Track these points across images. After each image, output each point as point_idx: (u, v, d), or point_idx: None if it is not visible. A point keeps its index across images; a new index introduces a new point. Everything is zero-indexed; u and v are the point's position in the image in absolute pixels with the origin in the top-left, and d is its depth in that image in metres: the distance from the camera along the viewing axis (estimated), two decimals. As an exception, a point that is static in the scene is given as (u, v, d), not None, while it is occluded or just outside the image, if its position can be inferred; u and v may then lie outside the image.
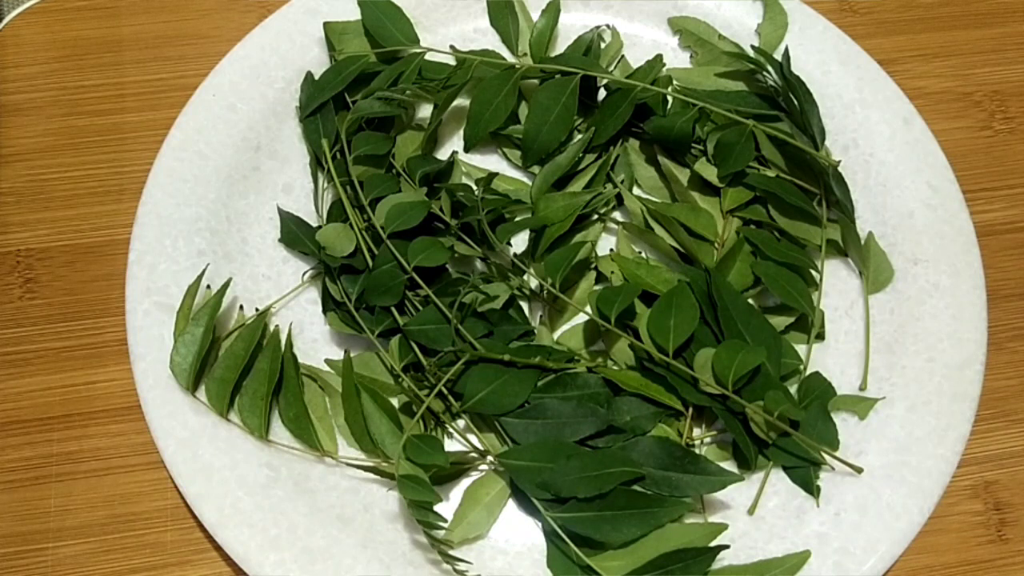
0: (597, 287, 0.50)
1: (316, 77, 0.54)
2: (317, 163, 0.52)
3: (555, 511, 0.43)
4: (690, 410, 0.46)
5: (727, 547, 0.42)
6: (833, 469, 0.46)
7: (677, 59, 0.58)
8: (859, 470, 0.45)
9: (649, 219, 0.51)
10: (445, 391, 0.45)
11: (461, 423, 0.47)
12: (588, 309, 0.48)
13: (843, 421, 0.47)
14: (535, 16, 0.57)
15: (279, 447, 0.46)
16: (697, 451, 0.45)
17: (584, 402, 0.44)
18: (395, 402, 0.47)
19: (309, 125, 0.53)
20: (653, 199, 0.53)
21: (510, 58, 0.57)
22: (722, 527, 0.43)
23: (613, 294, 0.46)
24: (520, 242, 0.52)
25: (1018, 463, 0.49)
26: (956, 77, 0.60)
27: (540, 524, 0.45)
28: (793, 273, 0.49)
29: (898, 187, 0.52)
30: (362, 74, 0.53)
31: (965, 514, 0.48)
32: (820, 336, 0.50)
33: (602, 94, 0.54)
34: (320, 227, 0.49)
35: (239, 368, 0.46)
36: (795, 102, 0.52)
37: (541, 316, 0.49)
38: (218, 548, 0.45)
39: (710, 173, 0.51)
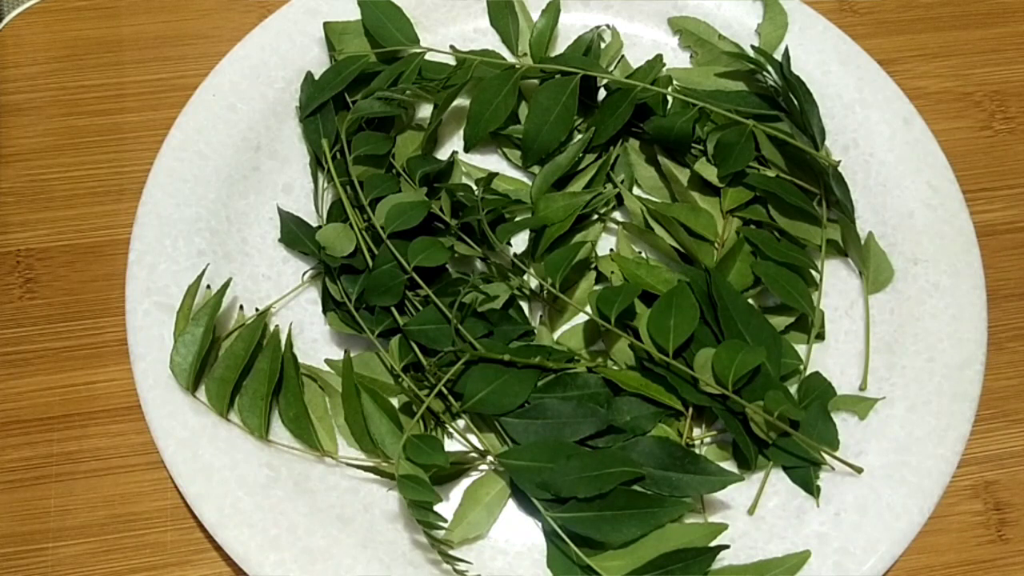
0: (597, 287, 0.50)
1: (316, 77, 0.54)
2: (317, 163, 0.52)
3: (555, 511, 0.43)
4: (690, 410, 0.46)
5: (727, 547, 0.42)
6: (833, 469, 0.46)
7: (677, 59, 0.58)
8: (859, 470, 0.45)
9: (649, 219, 0.51)
10: (445, 391, 0.45)
11: (461, 423, 0.47)
12: (588, 309, 0.48)
13: (843, 421, 0.47)
14: (535, 16, 0.57)
15: (279, 447, 0.46)
16: (697, 451, 0.45)
17: (584, 402, 0.44)
18: (395, 402, 0.47)
19: (309, 125, 0.53)
20: (653, 199, 0.53)
21: (510, 58, 0.57)
22: (722, 527, 0.43)
23: (613, 294, 0.46)
24: (520, 242, 0.52)
25: (1018, 463, 0.49)
26: (956, 77, 0.60)
27: (540, 524, 0.45)
28: (793, 273, 0.49)
29: (898, 187, 0.52)
30: (362, 74, 0.53)
31: (965, 514, 0.48)
32: (820, 336, 0.50)
33: (602, 94, 0.54)
34: (320, 227, 0.49)
35: (239, 368, 0.46)
36: (795, 102, 0.52)
37: (541, 316, 0.49)
38: (218, 548, 0.45)
39: (710, 173, 0.51)
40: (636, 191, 0.53)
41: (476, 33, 0.58)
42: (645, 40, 0.58)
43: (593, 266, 0.50)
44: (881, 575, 0.43)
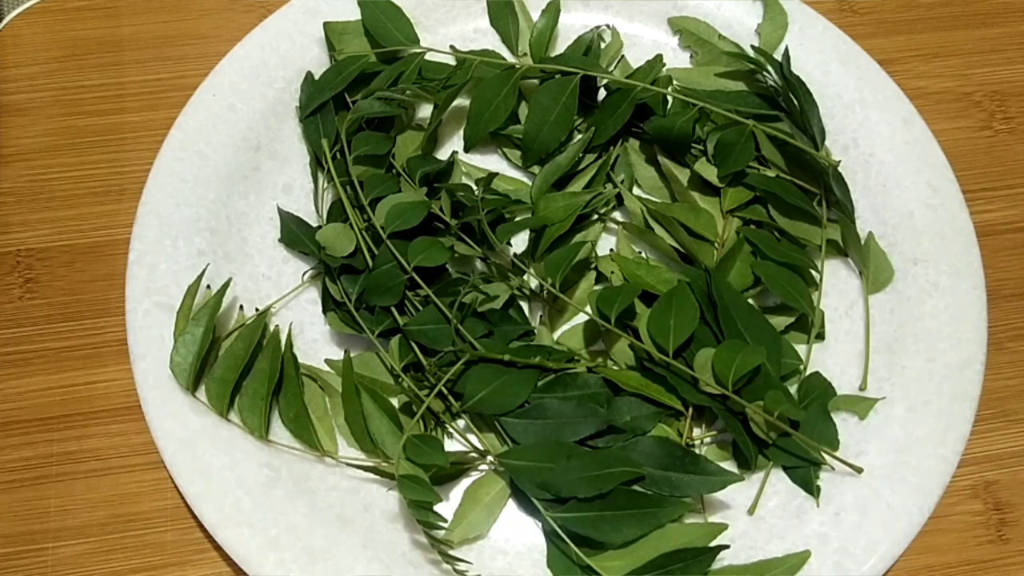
0: (597, 287, 0.50)
1: (316, 77, 0.54)
2: (317, 163, 0.52)
3: (555, 511, 0.43)
4: (690, 410, 0.46)
5: (727, 547, 0.42)
6: (833, 469, 0.46)
7: (677, 59, 0.58)
8: (859, 470, 0.45)
9: (649, 219, 0.51)
10: (445, 391, 0.45)
11: (461, 423, 0.47)
12: (588, 309, 0.48)
13: (843, 421, 0.47)
14: (535, 16, 0.57)
15: (279, 447, 0.46)
16: (697, 451, 0.45)
17: (584, 402, 0.44)
18: (395, 402, 0.47)
19: (309, 125, 0.53)
20: (653, 199, 0.53)
21: (510, 58, 0.57)
22: (722, 527, 0.43)
23: (613, 294, 0.46)
24: (520, 242, 0.52)
25: (1018, 463, 0.49)
26: (956, 77, 0.60)
27: (540, 524, 0.45)
28: (793, 273, 0.49)
29: (898, 187, 0.52)
30: (362, 74, 0.53)
31: (965, 514, 0.48)
32: (820, 336, 0.50)
33: (602, 94, 0.54)
34: (320, 227, 0.49)
35: (239, 368, 0.46)
36: (795, 102, 0.52)
37: (541, 316, 0.49)
38: (218, 548, 0.45)
39: (710, 173, 0.51)
40: (636, 191, 0.53)
41: (476, 33, 0.58)
42: (645, 40, 0.58)
43: (593, 266, 0.50)
44: (881, 575, 0.43)
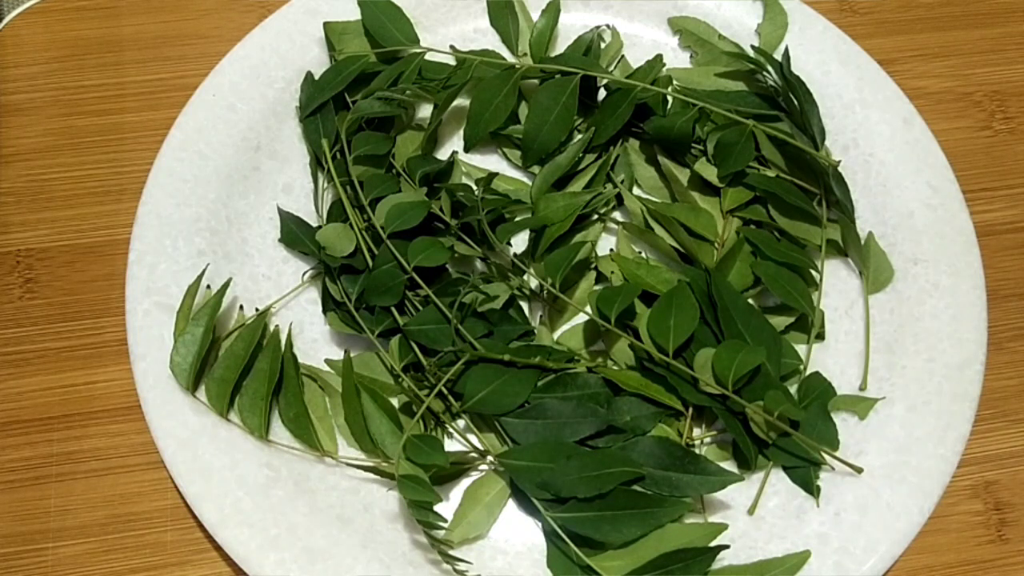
0: (597, 287, 0.50)
1: (316, 77, 0.54)
2: (317, 163, 0.52)
3: (555, 511, 0.43)
4: (690, 410, 0.46)
5: (727, 547, 0.42)
6: (833, 469, 0.46)
7: (677, 59, 0.58)
8: (859, 470, 0.45)
9: (649, 219, 0.51)
10: (445, 391, 0.45)
11: (461, 423, 0.47)
12: (588, 309, 0.48)
13: (843, 421, 0.47)
14: (535, 16, 0.57)
15: (279, 447, 0.46)
16: (697, 451, 0.45)
17: (584, 402, 0.44)
18: (395, 402, 0.47)
19: (309, 125, 0.53)
20: (653, 199, 0.53)
21: (510, 58, 0.57)
22: (722, 527, 0.43)
23: (613, 294, 0.46)
24: (520, 242, 0.52)
25: (1018, 463, 0.49)
26: (956, 77, 0.60)
27: (540, 524, 0.45)
28: (793, 273, 0.49)
29: (898, 187, 0.52)
30: (362, 74, 0.53)
31: (965, 514, 0.48)
32: (820, 336, 0.50)
33: (602, 94, 0.54)
34: (320, 227, 0.49)
35: (239, 368, 0.46)
36: (795, 102, 0.52)
37: (541, 316, 0.49)
38: (218, 548, 0.45)
39: (710, 173, 0.51)
40: (636, 191, 0.53)
41: (476, 33, 0.58)
42: (645, 40, 0.58)
43: (593, 266, 0.50)
44: (881, 575, 0.43)
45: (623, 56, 0.57)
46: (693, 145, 0.52)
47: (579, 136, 0.53)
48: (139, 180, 0.51)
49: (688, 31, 0.57)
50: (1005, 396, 0.51)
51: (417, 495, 0.41)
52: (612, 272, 0.50)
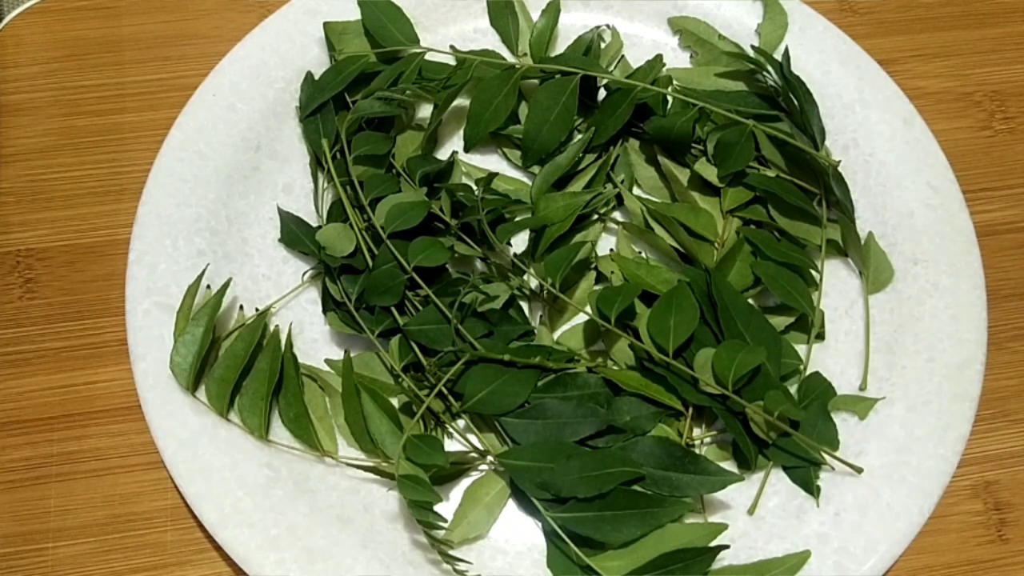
0: (597, 287, 0.50)
1: (316, 77, 0.54)
2: (317, 163, 0.52)
3: (555, 511, 0.43)
4: (690, 410, 0.46)
5: (727, 547, 0.42)
6: (833, 469, 0.46)
7: (677, 59, 0.58)
8: (859, 470, 0.45)
9: (649, 219, 0.51)
10: (445, 391, 0.45)
11: (461, 423, 0.47)
12: (588, 309, 0.48)
13: (843, 421, 0.47)
14: (535, 16, 0.57)
15: (279, 447, 0.46)
16: (697, 451, 0.45)
17: (584, 402, 0.44)
18: (395, 402, 0.47)
19: (309, 125, 0.53)
20: (653, 199, 0.53)
21: (510, 58, 0.57)
22: (722, 527, 0.43)
23: (613, 294, 0.46)
24: (520, 242, 0.52)
25: (1018, 463, 0.49)
26: (956, 77, 0.60)
27: (540, 524, 0.45)
28: (793, 273, 0.49)
29: (898, 187, 0.52)
30: (362, 74, 0.53)
31: (965, 514, 0.48)
32: (820, 336, 0.50)
33: (602, 94, 0.54)
34: (320, 227, 0.49)
35: (239, 368, 0.46)
36: (795, 102, 0.52)
37: (541, 316, 0.49)
38: (218, 548, 0.45)
39: (710, 173, 0.51)
40: (636, 191, 0.53)
41: (476, 33, 0.58)
42: (645, 40, 0.58)
43: (593, 266, 0.50)
44: (881, 575, 0.43)
45: (623, 56, 0.57)
46: (693, 145, 0.52)
47: (579, 136, 0.53)
48: (139, 180, 0.51)
49: (688, 31, 0.57)
50: (1005, 396, 0.51)
51: (417, 495, 0.41)
52: (612, 272, 0.50)
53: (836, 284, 0.51)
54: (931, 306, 0.49)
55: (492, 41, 0.58)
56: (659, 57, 0.55)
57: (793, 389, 0.47)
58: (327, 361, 0.48)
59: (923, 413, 0.46)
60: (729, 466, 0.46)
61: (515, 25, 0.57)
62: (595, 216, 0.52)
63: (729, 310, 0.46)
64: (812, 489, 0.45)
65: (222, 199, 0.51)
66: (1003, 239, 0.55)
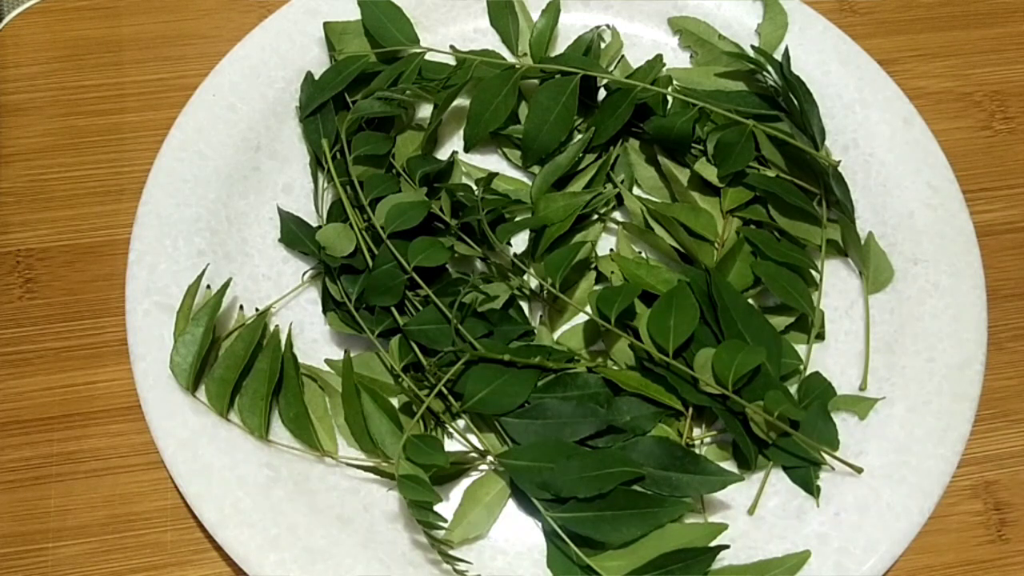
0: (597, 287, 0.50)
1: (316, 77, 0.54)
2: (317, 163, 0.52)
3: (555, 511, 0.43)
4: (690, 410, 0.46)
5: (727, 547, 0.42)
6: (833, 469, 0.46)
7: (677, 59, 0.58)
8: (859, 470, 0.45)
9: (649, 219, 0.51)
10: (445, 391, 0.45)
11: (461, 423, 0.47)
12: (588, 309, 0.48)
13: (843, 421, 0.47)
14: (535, 16, 0.57)
15: (279, 447, 0.46)
16: (697, 451, 0.45)
17: (584, 402, 0.44)
18: (395, 402, 0.47)
19: (309, 125, 0.53)
20: (653, 199, 0.53)
21: (510, 58, 0.57)
22: (722, 527, 0.43)
23: (613, 294, 0.46)
24: (520, 242, 0.52)
25: (1018, 463, 0.49)
26: (956, 77, 0.60)
27: (540, 524, 0.45)
28: (793, 273, 0.49)
29: (898, 187, 0.52)
30: (362, 74, 0.53)
31: (965, 514, 0.48)
32: (820, 336, 0.50)
33: (602, 94, 0.54)
34: (320, 227, 0.49)
35: (239, 368, 0.46)
36: (795, 102, 0.52)
37: (541, 316, 0.49)
38: (218, 548, 0.45)
39: (710, 173, 0.51)
40: (636, 191, 0.53)
41: (476, 33, 0.58)
42: (645, 40, 0.58)
43: (593, 266, 0.50)
44: (881, 575, 0.43)
45: (623, 56, 0.57)
46: (693, 145, 0.52)
47: (579, 136, 0.53)
48: (139, 180, 0.51)
49: (688, 31, 0.57)
50: (1005, 396, 0.51)
51: (417, 495, 0.41)
52: (612, 272, 0.50)
53: (836, 284, 0.51)
54: (931, 306, 0.49)
55: (492, 41, 0.58)
56: (659, 57, 0.55)
57: (793, 389, 0.47)
58: (327, 361, 0.48)
59: (923, 413, 0.46)
60: (729, 466, 0.46)
61: (515, 25, 0.57)
62: (595, 216, 0.52)
63: (729, 310, 0.46)
64: (812, 489, 0.45)
65: (222, 199, 0.51)
66: (1003, 239, 0.55)
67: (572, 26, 0.57)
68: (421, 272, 0.47)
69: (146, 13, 0.60)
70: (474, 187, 0.50)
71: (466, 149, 0.54)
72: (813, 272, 0.50)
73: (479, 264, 0.51)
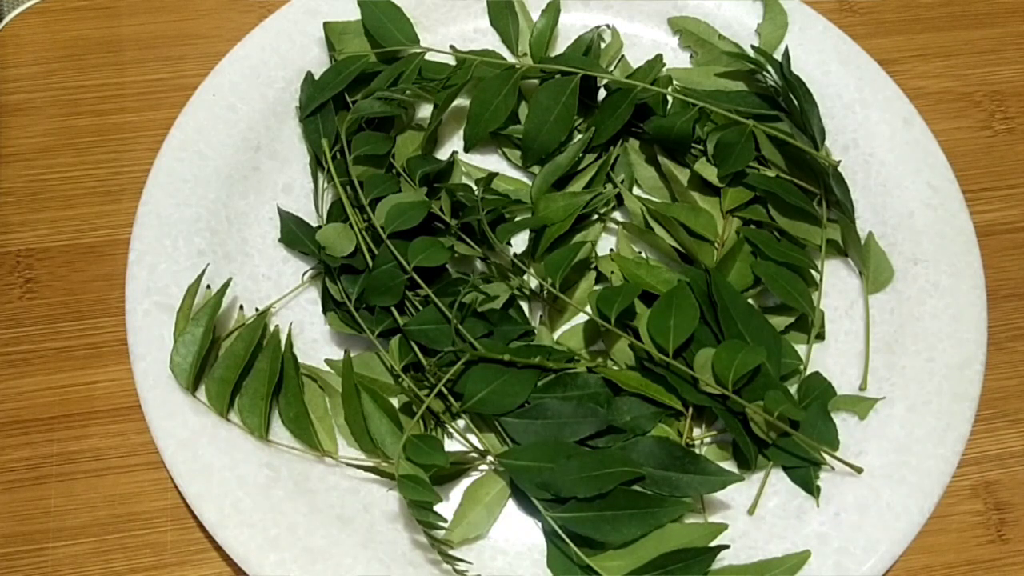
0: (597, 287, 0.50)
1: (316, 77, 0.54)
2: (317, 163, 0.52)
3: (555, 511, 0.43)
4: (690, 410, 0.46)
5: (727, 547, 0.42)
6: (833, 469, 0.46)
7: (677, 59, 0.58)
8: (859, 470, 0.45)
9: (649, 219, 0.51)
10: (445, 391, 0.45)
11: (461, 423, 0.47)
12: (588, 309, 0.48)
13: (843, 421, 0.47)
14: (535, 16, 0.57)
15: (279, 447, 0.46)
16: (697, 451, 0.45)
17: (584, 402, 0.44)
18: (395, 402, 0.47)
19: (309, 125, 0.53)
20: (653, 199, 0.53)
21: (510, 58, 0.57)
22: (722, 527, 0.43)
23: (613, 294, 0.46)
24: (520, 242, 0.52)
25: (1018, 463, 0.49)
26: (956, 77, 0.60)
27: (540, 524, 0.45)
28: (793, 273, 0.49)
29: (898, 187, 0.52)
30: (362, 74, 0.53)
31: (965, 514, 0.48)
32: (820, 336, 0.50)
33: (602, 94, 0.54)
34: (320, 227, 0.49)
35: (239, 368, 0.46)
36: (795, 102, 0.52)
37: (541, 316, 0.49)
38: (218, 548, 0.45)
39: (710, 173, 0.51)
40: (636, 191, 0.53)
41: (476, 33, 0.58)
42: (645, 40, 0.58)
43: (593, 266, 0.50)
44: (881, 575, 0.43)
45: (623, 56, 0.57)
46: (693, 145, 0.52)
47: (579, 136, 0.53)
48: (139, 180, 0.51)
49: (688, 31, 0.57)
50: (1005, 396, 0.51)
51: (417, 495, 0.41)
52: (612, 272, 0.50)
53: (836, 284, 0.51)
54: (931, 306, 0.49)
55: (492, 41, 0.58)
56: (659, 57, 0.55)
57: (793, 389, 0.47)
58: (327, 361, 0.48)
59: (923, 413, 0.46)
60: (729, 466, 0.46)
61: (515, 25, 0.57)
62: (595, 216, 0.52)
63: (729, 310, 0.46)
64: (812, 489, 0.45)
65: (222, 199, 0.51)
66: (1003, 239, 0.55)
67: (572, 26, 0.58)
68: (421, 272, 0.47)
69: (146, 13, 0.60)
70: (474, 187, 0.50)
71: (466, 149, 0.54)
72: (813, 272, 0.50)
73: (479, 264, 0.51)
